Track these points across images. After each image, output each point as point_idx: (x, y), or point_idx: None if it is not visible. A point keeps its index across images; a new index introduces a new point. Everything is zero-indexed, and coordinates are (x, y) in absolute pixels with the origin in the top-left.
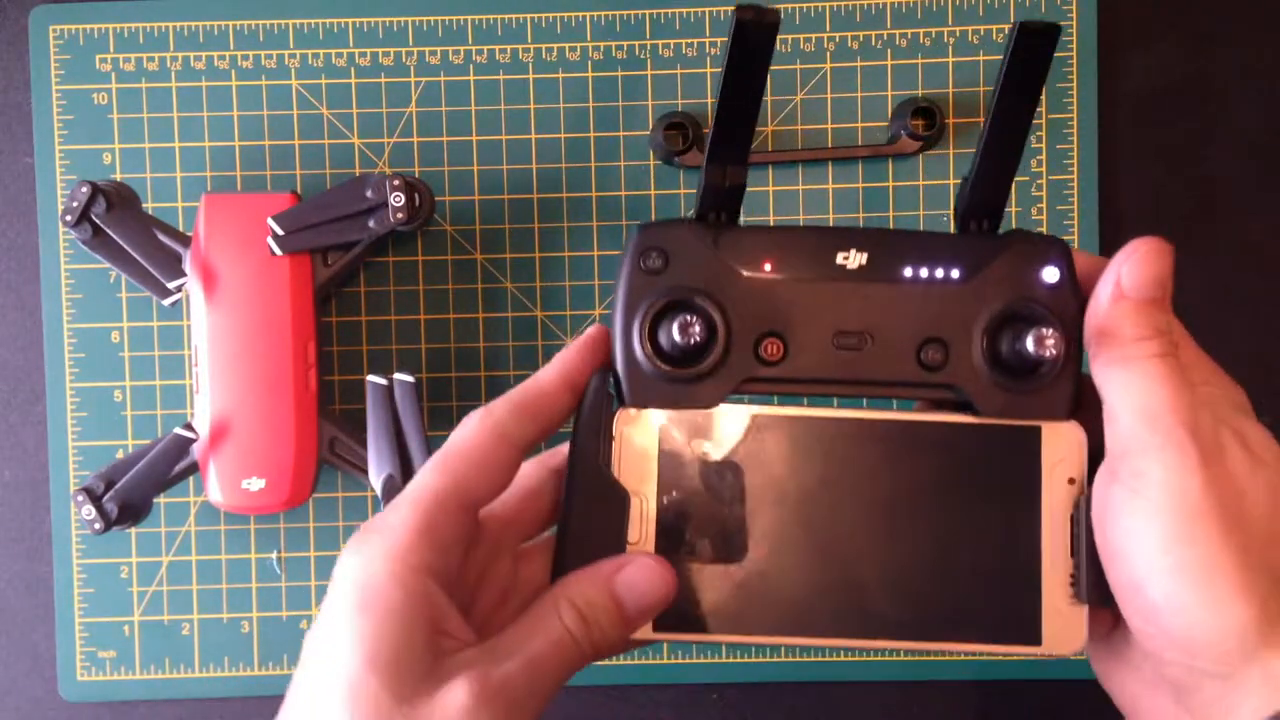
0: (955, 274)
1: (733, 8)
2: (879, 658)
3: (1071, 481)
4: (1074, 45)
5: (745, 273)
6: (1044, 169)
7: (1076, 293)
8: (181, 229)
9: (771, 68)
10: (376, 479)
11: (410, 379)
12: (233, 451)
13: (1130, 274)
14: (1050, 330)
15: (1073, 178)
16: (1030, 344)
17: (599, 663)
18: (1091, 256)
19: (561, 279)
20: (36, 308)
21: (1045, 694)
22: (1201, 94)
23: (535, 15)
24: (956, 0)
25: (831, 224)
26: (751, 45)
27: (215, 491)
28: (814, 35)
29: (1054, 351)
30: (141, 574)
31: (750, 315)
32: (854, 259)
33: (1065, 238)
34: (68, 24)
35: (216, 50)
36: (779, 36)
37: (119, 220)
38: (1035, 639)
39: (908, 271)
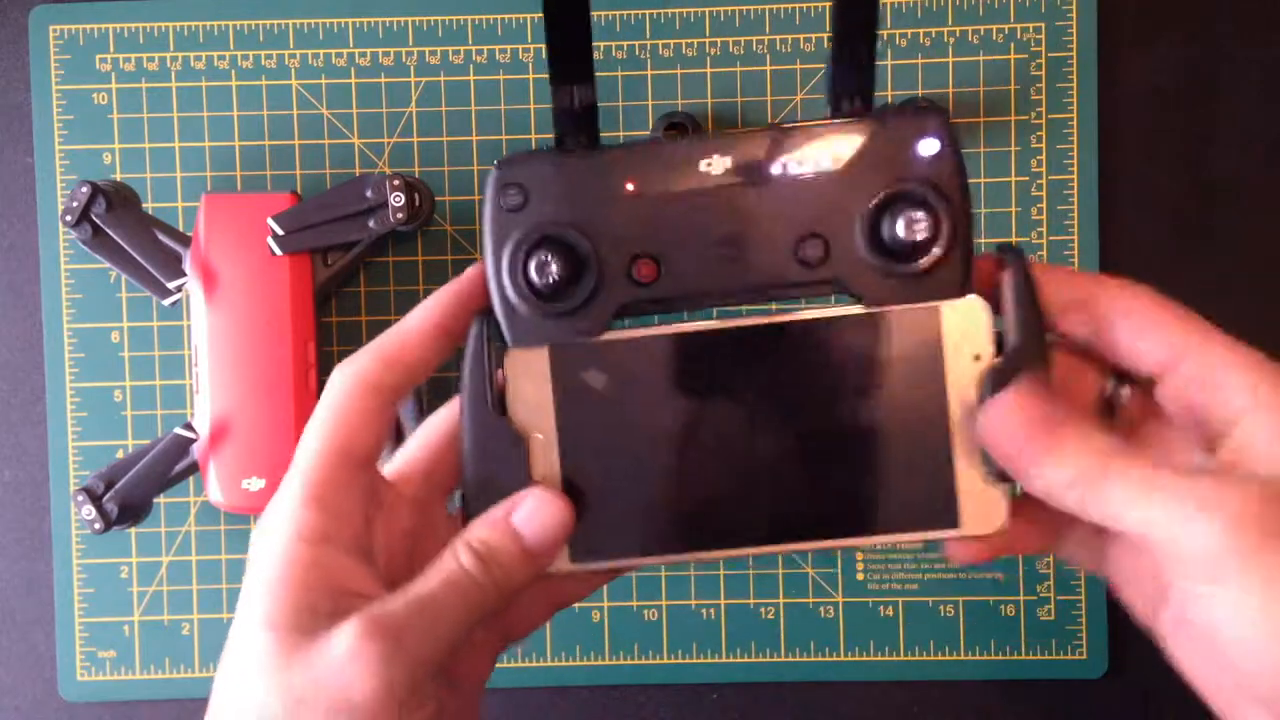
0: (826, 163)
1: None
2: (872, 658)
3: (977, 358)
4: (1074, 45)
5: (609, 195)
6: (1044, 169)
7: (959, 162)
8: (181, 229)
9: (771, 68)
10: None
11: None
12: (233, 451)
13: (1008, 444)
14: (921, 213)
15: (1073, 178)
16: (901, 228)
17: (597, 663)
18: (1070, 277)
19: None
20: (36, 308)
21: (1047, 694)
22: (1201, 94)
23: (535, 15)
24: (956, 0)
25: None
26: None
27: (215, 491)
28: (814, 35)
29: (926, 234)
30: (141, 574)
31: (619, 239)
32: (718, 164)
33: (1065, 238)
34: (68, 24)
35: (216, 50)
36: (779, 36)
37: (119, 220)
38: (953, 522)
39: (776, 169)
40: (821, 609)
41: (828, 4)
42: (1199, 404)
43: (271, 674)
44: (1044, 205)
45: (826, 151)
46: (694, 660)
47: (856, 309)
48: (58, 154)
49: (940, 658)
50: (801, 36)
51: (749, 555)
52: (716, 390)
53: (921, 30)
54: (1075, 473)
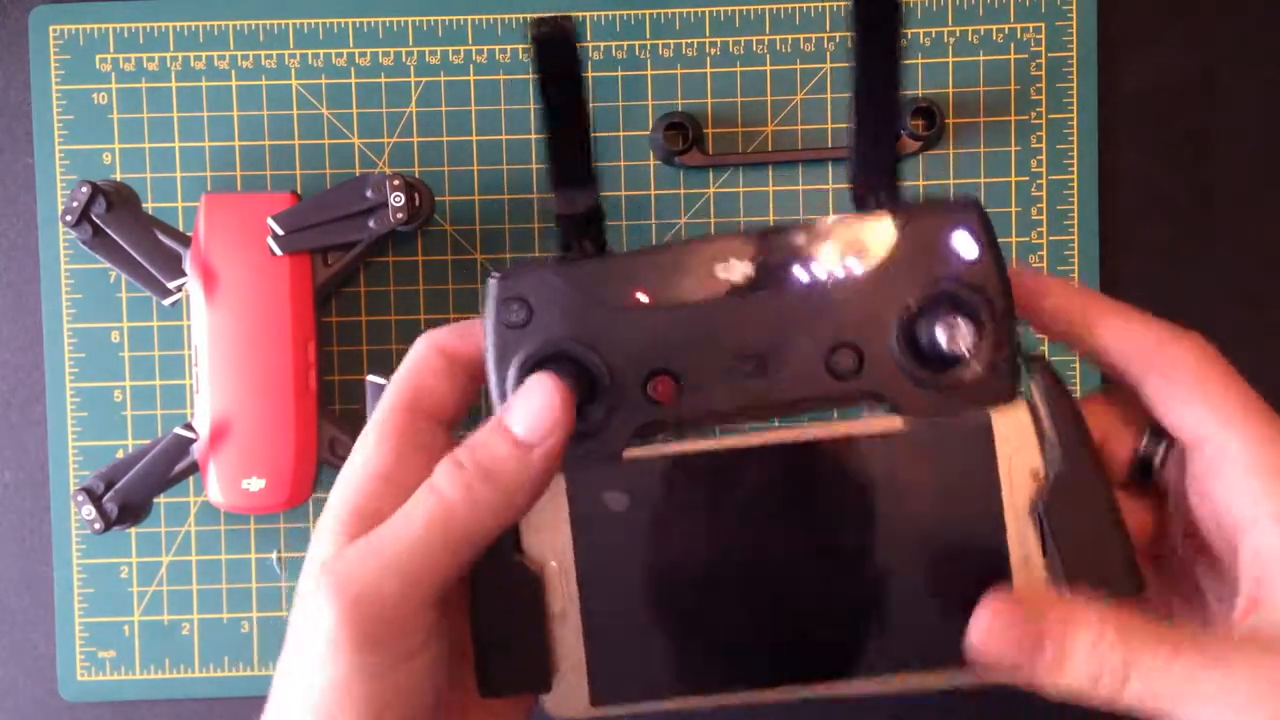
0: (854, 265)
1: (529, 20)
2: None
3: (1035, 474)
4: (1074, 45)
5: (619, 307)
6: (1044, 169)
7: (998, 258)
8: (181, 229)
9: (771, 68)
10: None
11: None
12: (233, 451)
13: (1007, 659)
14: (962, 319)
15: (1073, 178)
16: (942, 337)
17: None
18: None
19: None
20: (36, 308)
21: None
22: (1201, 94)
23: (535, 15)
24: (956, 0)
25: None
26: (554, 60)
27: (215, 491)
28: (814, 35)
29: (969, 341)
30: (141, 574)
31: (633, 355)
32: (736, 269)
33: (1065, 238)
34: (68, 24)
35: (216, 50)
36: (779, 36)
37: (119, 220)
38: None
39: (799, 272)
40: None
41: (828, 4)
42: (1211, 493)
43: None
44: (1044, 205)
45: (854, 252)
46: None
47: (896, 422)
48: (58, 154)
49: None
50: (801, 36)
51: (791, 698)
52: (746, 513)
53: (921, 30)
54: (1092, 674)
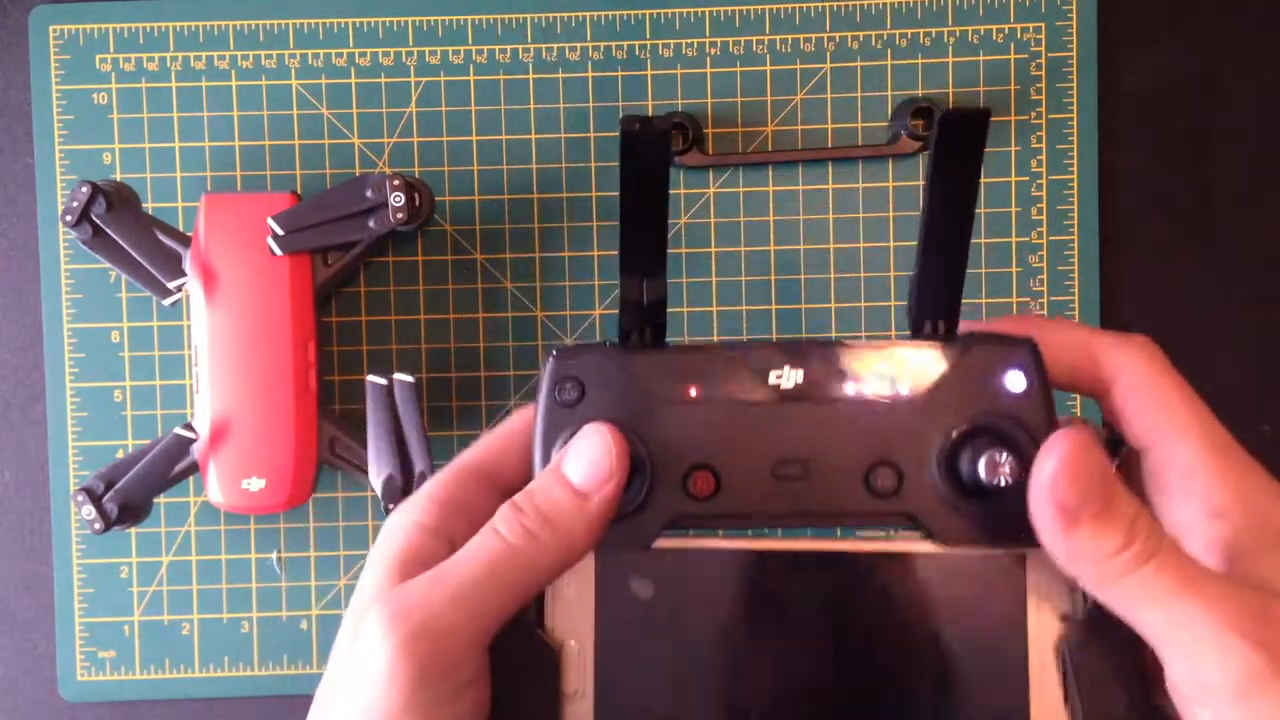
0: (904, 388)
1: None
2: None
3: (1065, 619)
4: (1074, 45)
5: (670, 399)
6: (1044, 169)
7: (1048, 399)
8: (181, 229)
9: (771, 68)
10: (376, 479)
11: (410, 379)
12: (233, 451)
13: (1068, 492)
14: (1005, 453)
15: (1073, 178)
16: (982, 469)
17: None
18: (1075, 331)
19: (561, 279)
20: (36, 308)
21: None
22: (1201, 94)
23: (535, 15)
24: (956, 0)
25: (772, 339)
26: (643, 158)
27: (215, 491)
28: (814, 35)
29: (1010, 477)
30: (141, 574)
31: (676, 447)
32: (788, 377)
33: (1065, 238)
34: (68, 24)
35: (216, 50)
36: (779, 36)
37: (119, 220)
38: None
39: (850, 388)
40: None
41: (828, 4)
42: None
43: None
44: (1044, 205)
45: (905, 375)
46: None
47: (929, 546)
48: (58, 154)
49: None
50: (801, 37)
51: None
52: (769, 617)
53: (921, 30)
54: (1118, 546)
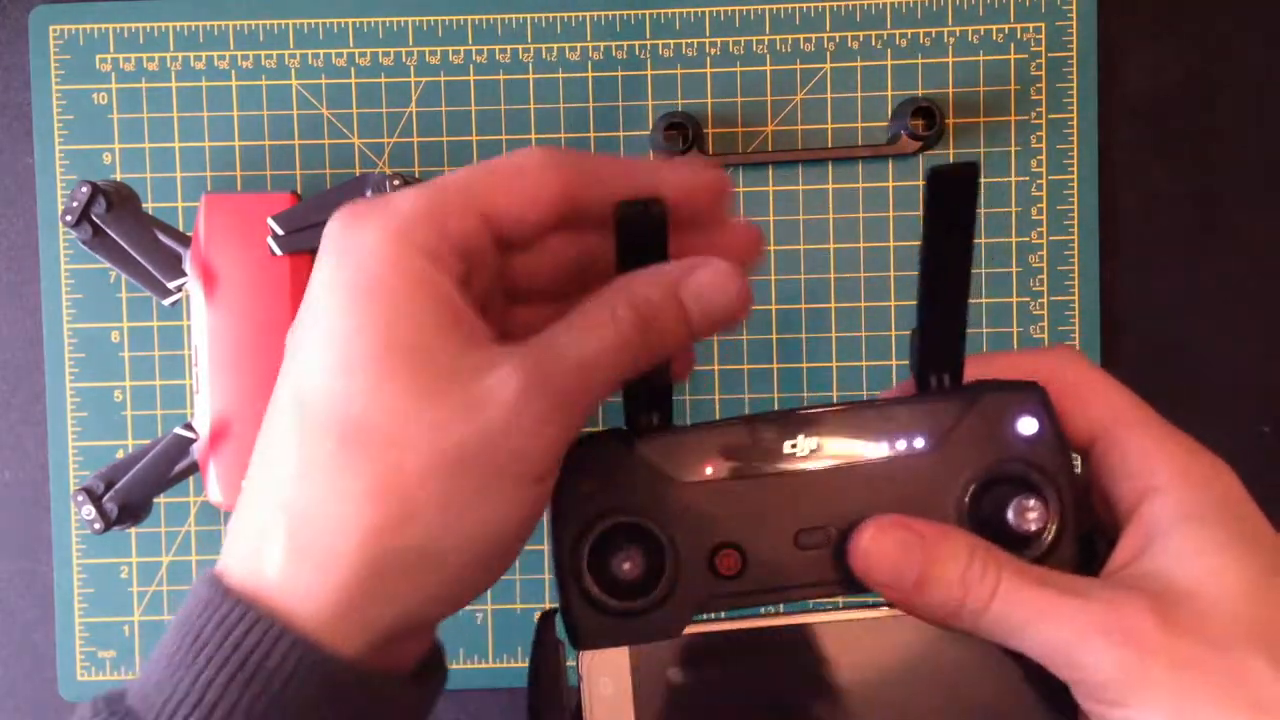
0: (920, 443)
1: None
2: None
3: None
4: (1074, 45)
5: (686, 480)
6: (1044, 169)
7: (1061, 441)
8: (181, 229)
9: (771, 68)
10: None
11: None
12: (233, 451)
13: (879, 574)
14: (1032, 499)
15: (1073, 178)
16: (1011, 516)
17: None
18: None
19: None
20: (36, 308)
21: None
22: (1201, 94)
23: (535, 15)
24: (956, 0)
25: (780, 409)
26: (640, 231)
27: (215, 491)
28: (814, 35)
29: (1038, 522)
30: (141, 574)
31: (698, 529)
32: (803, 446)
33: (1065, 238)
34: (68, 24)
35: (216, 50)
36: (779, 36)
37: (119, 220)
38: None
39: (866, 450)
40: None
41: (828, 4)
42: (1107, 487)
43: (402, 409)
44: (1044, 205)
45: (918, 431)
46: None
47: None
48: (58, 154)
49: None
50: (801, 36)
51: None
52: (807, 686)
53: (921, 30)
54: (955, 600)
